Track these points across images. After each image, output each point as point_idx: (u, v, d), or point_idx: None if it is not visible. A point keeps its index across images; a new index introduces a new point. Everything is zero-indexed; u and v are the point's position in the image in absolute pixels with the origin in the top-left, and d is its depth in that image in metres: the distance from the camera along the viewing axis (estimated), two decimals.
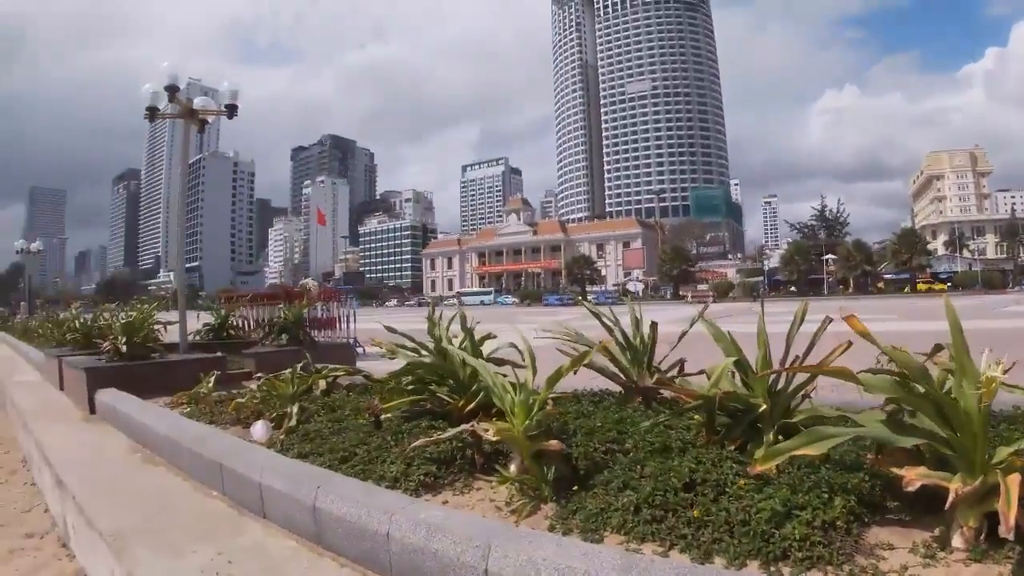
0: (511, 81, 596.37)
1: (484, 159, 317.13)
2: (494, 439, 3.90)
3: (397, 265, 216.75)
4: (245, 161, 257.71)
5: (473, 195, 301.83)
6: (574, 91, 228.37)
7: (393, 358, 5.61)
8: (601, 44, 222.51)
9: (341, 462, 4.32)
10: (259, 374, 6.87)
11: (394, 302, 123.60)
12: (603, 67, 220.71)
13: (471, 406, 5.00)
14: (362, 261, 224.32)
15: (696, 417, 4.05)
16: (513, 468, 3.83)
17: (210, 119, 11.92)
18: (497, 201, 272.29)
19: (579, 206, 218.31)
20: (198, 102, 11.55)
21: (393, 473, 4.01)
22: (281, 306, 12.67)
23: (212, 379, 7.37)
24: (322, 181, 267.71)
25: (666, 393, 4.78)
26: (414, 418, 5.08)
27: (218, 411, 6.41)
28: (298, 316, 11.39)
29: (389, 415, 5.01)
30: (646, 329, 5.39)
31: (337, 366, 7.37)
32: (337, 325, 14.19)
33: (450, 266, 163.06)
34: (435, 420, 4.99)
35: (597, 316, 5.61)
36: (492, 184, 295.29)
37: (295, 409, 5.43)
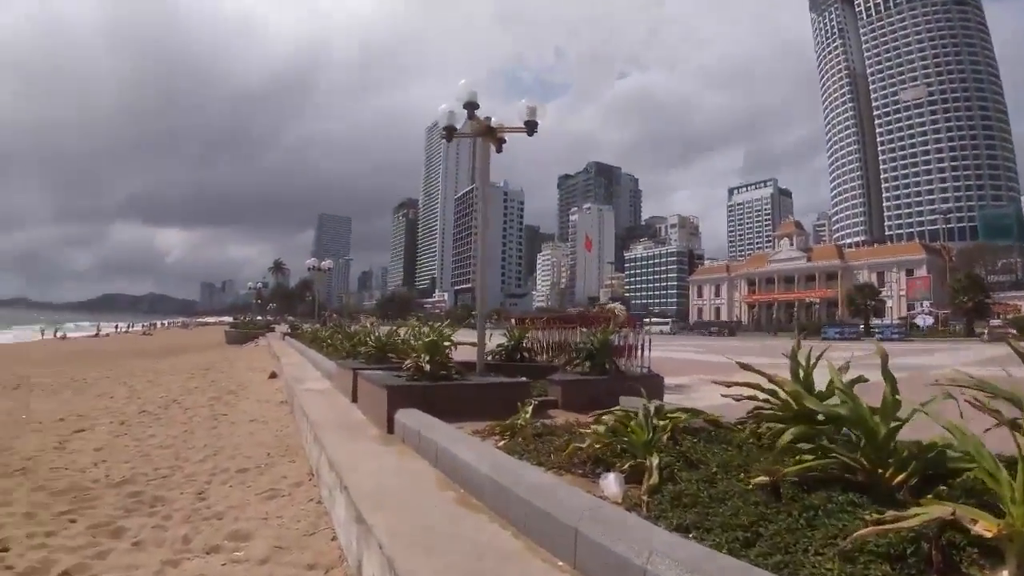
0: (775, 100, 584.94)
1: (751, 181, 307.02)
2: (988, 535, 2.63)
3: (663, 291, 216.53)
4: (515, 190, 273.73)
5: (740, 219, 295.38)
6: (843, 103, 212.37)
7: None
8: (868, 49, 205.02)
9: (744, 546, 3.20)
10: (598, 411, 5.84)
11: (667, 328, 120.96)
12: (872, 74, 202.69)
13: (900, 477, 3.72)
14: (627, 286, 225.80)
15: None
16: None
17: (507, 138, 11.51)
18: (766, 225, 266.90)
19: (855, 229, 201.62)
20: (496, 119, 11.14)
21: (836, 574, 2.81)
22: (583, 331, 11.92)
23: (530, 409, 6.54)
24: (588, 208, 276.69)
25: None
26: (813, 486, 3.85)
27: (542, 449, 5.52)
28: (605, 342, 10.47)
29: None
30: None
31: (676, 407, 6.24)
32: (634, 353, 13.18)
33: (717, 294, 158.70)
34: (846, 492, 3.73)
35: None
36: (760, 207, 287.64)
37: (655, 462, 4.36)
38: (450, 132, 11.26)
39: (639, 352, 12.69)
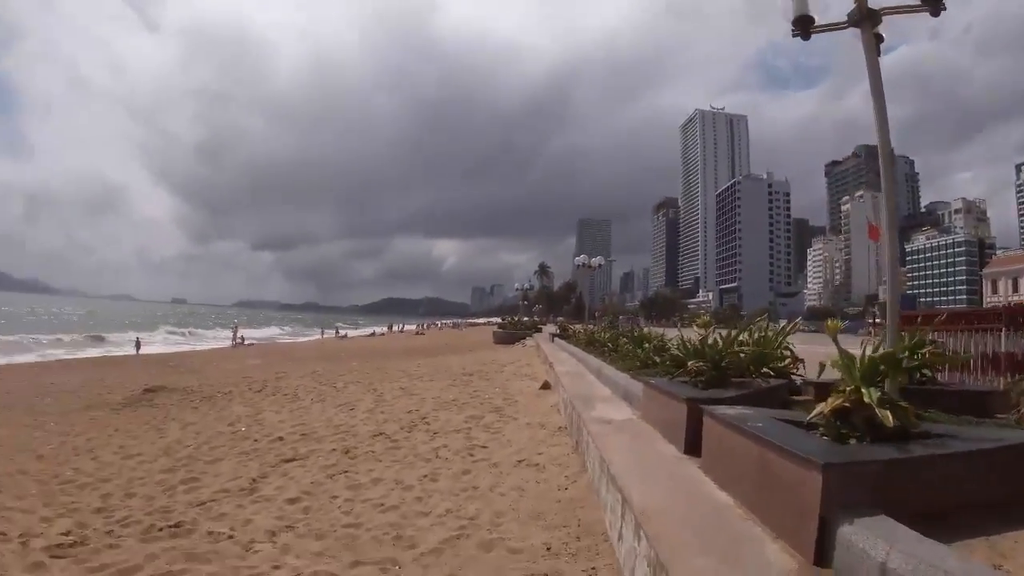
0: None
1: None
2: None
3: (951, 286, 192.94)
4: (779, 181, 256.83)
5: None
6: None
7: None
8: None
9: None
10: None
11: None
12: None
13: None
14: (909, 282, 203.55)
15: None
16: None
17: (885, 35, 7.05)
18: None
19: None
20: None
21: None
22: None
23: None
24: (860, 196, 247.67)
25: None
26: None
27: None
28: None
29: None
30: None
31: None
32: None
33: (1016, 288, 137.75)
34: None
35: None
36: None
37: None
38: (805, 25, 6.99)
39: None
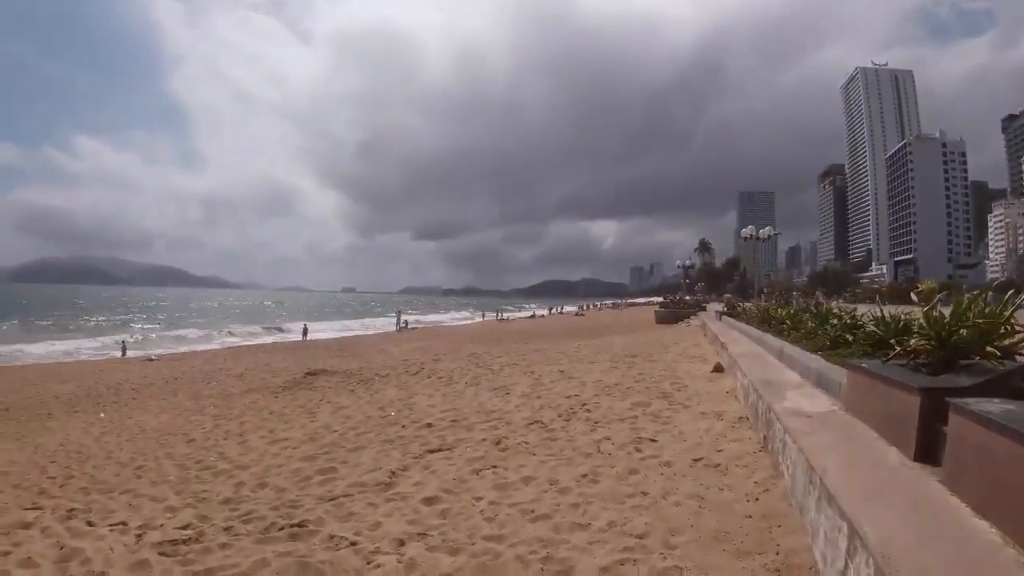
0: None
1: None
2: None
3: None
4: (953, 140, 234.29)
5: None
6: None
7: None
8: None
9: None
10: None
11: None
12: None
13: None
14: None
15: None
16: None
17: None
18: None
19: None
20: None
21: None
22: None
23: None
24: None
25: None
26: None
27: None
28: None
29: None
30: None
31: None
32: None
33: None
34: None
35: None
36: None
37: None
38: None
39: None
